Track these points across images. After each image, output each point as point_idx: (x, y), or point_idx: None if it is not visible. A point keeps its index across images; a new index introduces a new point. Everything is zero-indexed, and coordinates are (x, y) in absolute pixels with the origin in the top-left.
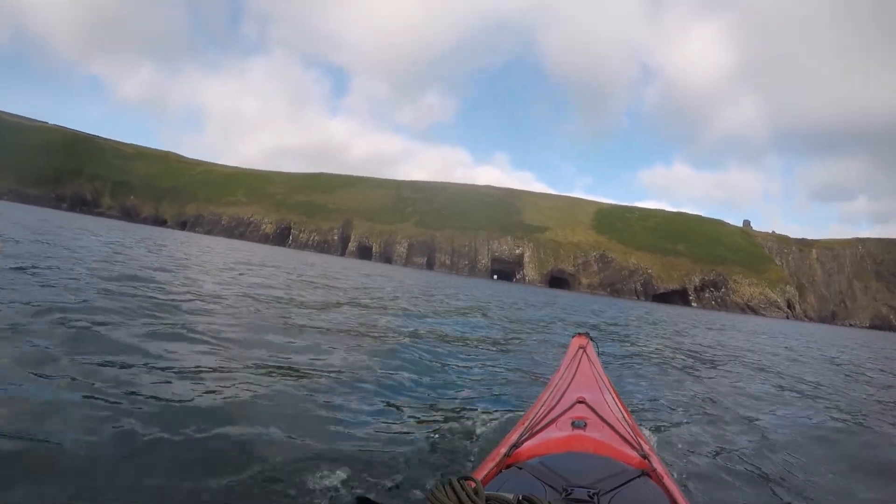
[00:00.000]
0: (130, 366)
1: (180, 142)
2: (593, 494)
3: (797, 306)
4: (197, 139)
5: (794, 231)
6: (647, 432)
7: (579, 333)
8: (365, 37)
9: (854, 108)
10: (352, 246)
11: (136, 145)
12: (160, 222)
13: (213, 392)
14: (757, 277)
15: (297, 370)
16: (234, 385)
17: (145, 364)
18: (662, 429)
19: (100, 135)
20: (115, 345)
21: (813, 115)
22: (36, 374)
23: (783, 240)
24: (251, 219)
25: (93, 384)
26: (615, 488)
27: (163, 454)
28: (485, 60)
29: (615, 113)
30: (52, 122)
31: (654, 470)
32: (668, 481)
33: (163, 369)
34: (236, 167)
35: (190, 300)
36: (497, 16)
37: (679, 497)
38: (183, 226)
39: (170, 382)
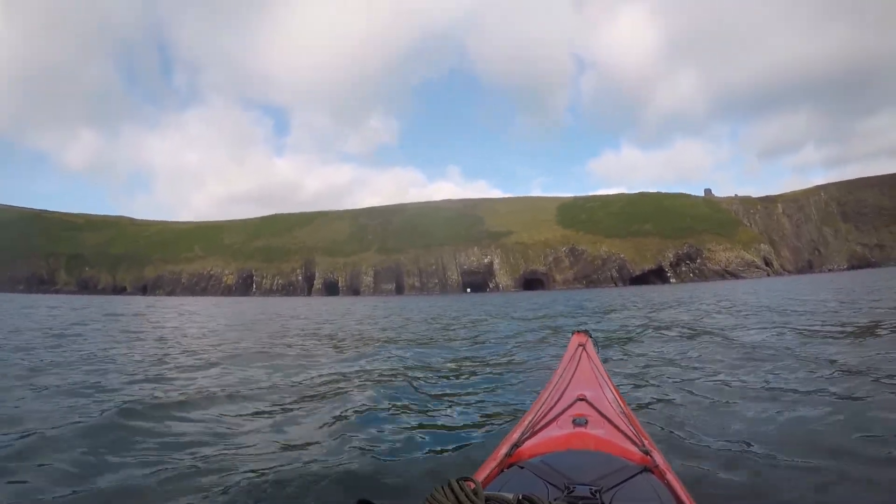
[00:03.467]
0: None
1: (132, 204)
2: (595, 492)
3: (774, 262)
4: (148, 199)
5: (752, 192)
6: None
7: (578, 331)
8: (298, 71)
9: (788, 62)
10: (317, 284)
11: (87, 214)
12: (119, 290)
13: (223, 399)
14: (730, 242)
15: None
16: (240, 393)
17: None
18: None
19: (48, 209)
20: None
21: (748, 77)
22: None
23: (747, 201)
24: (211, 272)
25: None
26: (617, 485)
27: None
28: (422, 76)
29: (558, 109)
30: None
31: (657, 466)
32: (670, 477)
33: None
34: (190, 221)
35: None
36: (427, 30)
37: (682, 492)
38: (143, 290)
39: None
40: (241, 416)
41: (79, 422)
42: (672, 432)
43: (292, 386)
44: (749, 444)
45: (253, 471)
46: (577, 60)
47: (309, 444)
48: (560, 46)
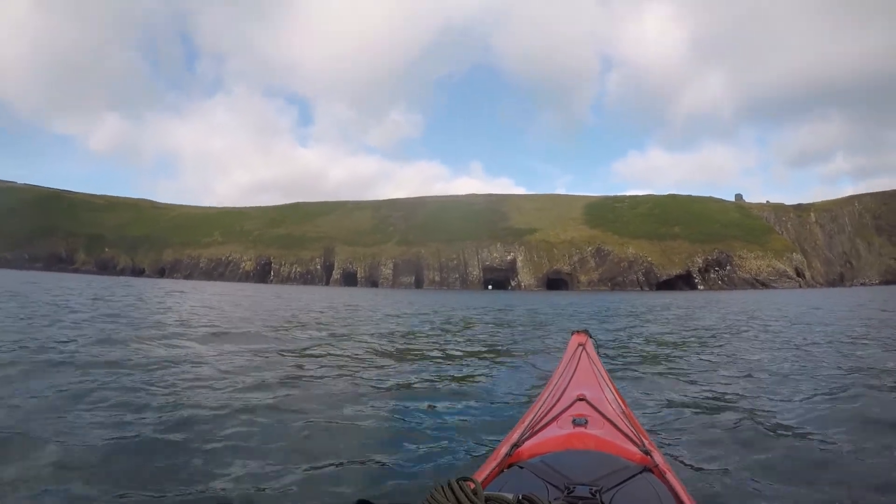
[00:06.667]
0: None
1: (155, 189)
2: (595, 492)
3: (806, 273)
4: (171, 184)
5: (782, 200)
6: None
7: (578, 331)
8: (321, 62)
9: (818, 68)
10: (336, 274)
11: (108, 196)
12: (138, 272)
13: (227, 400)
14: (761, 249)
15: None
16: (241, 391)
17: None
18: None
19: (72, 189)
20: None
21: (777, 82)
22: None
23: (779, 208)
24: (229, 258)
25: None
26: (617, 485)
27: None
28: (446, 71)
29: (582, 108)
30: (20, 181)
31: (657, 466)
32: (670, 477)
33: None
34: (211, 207)
35: None
36: (451, 24)
37: (682, 492)
38: (161, 273)
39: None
40: (236, 413)
41: None
42: (672, 432)
43: (290, 382)
44: (749, 446)
45: (252, 469)
46: (603, 58)
47: (308, 442)
48: (585, 43)
